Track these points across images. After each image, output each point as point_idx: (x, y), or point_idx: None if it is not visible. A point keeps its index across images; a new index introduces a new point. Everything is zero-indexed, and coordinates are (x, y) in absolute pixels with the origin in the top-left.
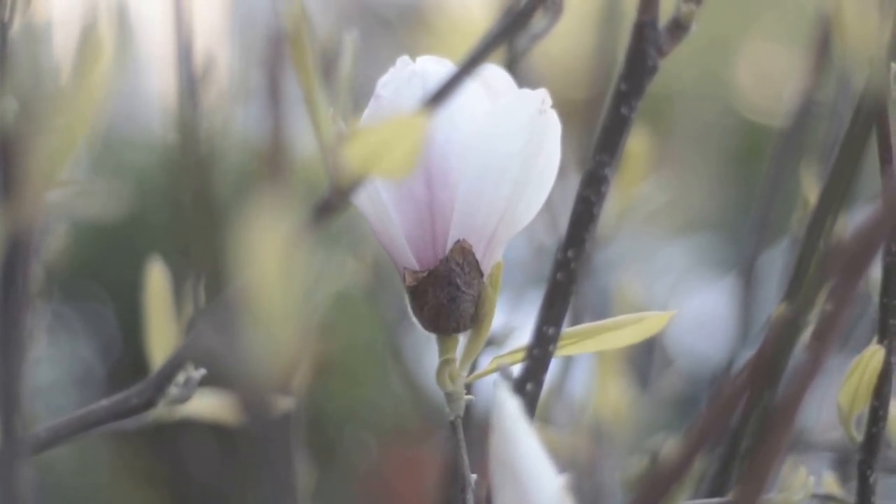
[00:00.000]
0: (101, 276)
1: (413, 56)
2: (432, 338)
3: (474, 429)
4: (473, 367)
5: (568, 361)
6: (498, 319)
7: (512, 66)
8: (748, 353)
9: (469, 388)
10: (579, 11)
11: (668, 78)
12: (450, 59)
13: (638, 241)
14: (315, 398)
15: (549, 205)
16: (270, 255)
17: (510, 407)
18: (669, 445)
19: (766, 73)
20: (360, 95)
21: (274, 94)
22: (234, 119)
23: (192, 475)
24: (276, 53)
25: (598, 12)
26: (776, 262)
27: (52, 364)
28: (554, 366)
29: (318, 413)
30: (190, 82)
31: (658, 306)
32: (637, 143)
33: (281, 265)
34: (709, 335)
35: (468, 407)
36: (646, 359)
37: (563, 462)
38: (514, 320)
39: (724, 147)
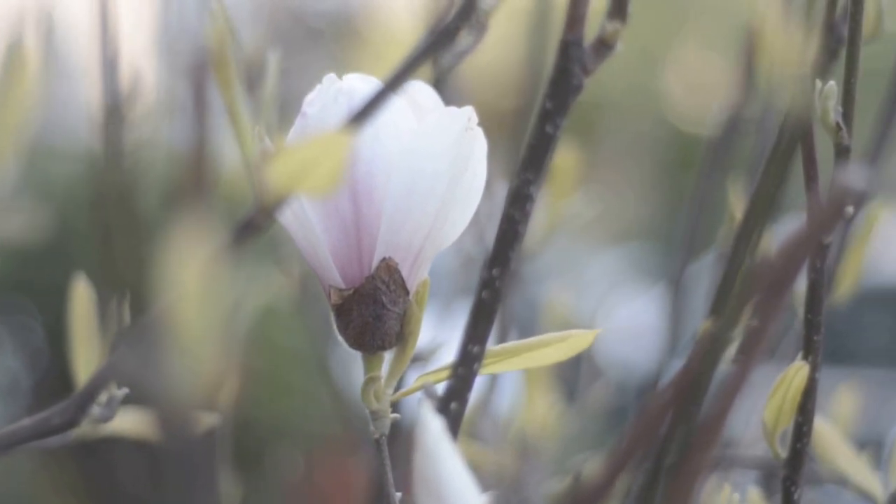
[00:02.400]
0: (29, 288)
1: (346, 70)
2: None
3: (401, 446)
4: (400, 385)
5: (495, 376)
6: (425, 333)
7: (439, 82)
8: (675, 367)
9: (396, 405)
10: (509, 26)
11: (601, 89)
12: (379, 74)
13: (570, 251)
14: (245, 411)
15: (476, 217)
16: (192, 274)
17: (433, 426)
18: (593, 463)
19: (697, 85)
20: (292, 109)
21: (198, 111)
22: (160, 134)
23: (118, 489)
24: (201, 70)
25: (527, 27)
26: (705, 274)
27: None
28: (481, 380)
29: (248, 426)
30: (114, 96)
31: (589, 318)
32: (566, 157)
33: (202, 284)
34: (639, 346)
35: (395, 424)
36: (574, 371)
37: (490, 478)
38: (441, 333)
39: (657, 158)
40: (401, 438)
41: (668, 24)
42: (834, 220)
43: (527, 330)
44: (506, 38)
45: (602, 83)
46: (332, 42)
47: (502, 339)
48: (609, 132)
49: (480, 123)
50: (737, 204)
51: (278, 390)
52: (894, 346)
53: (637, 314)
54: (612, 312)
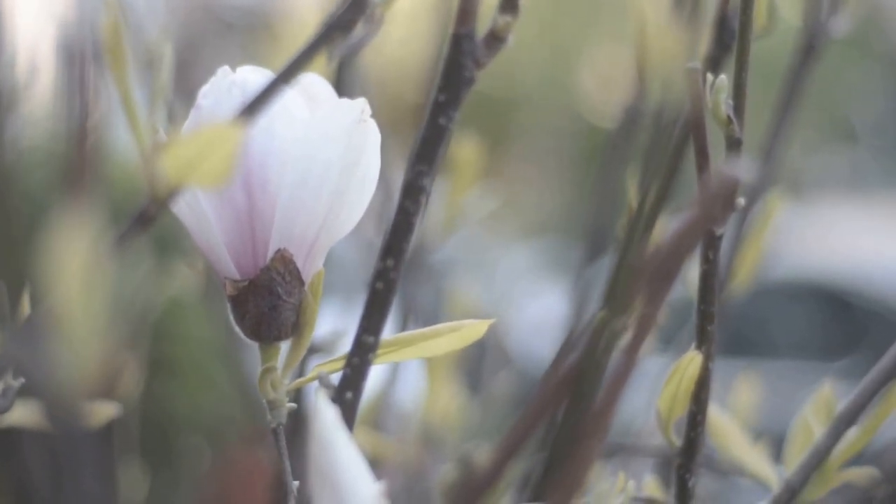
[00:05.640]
0: None
1: (257, 63)
2: None
3: (301, 436)
4: (299, 374)
5: (397, 366)
6: (329, 324)
7: (341, 77)
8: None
9: (296, 396)
10: (415, 21)
11: (515, 84)
12: (279, 67)
13: (484, 244)
14: (157, 403)
15: (378, 210)
16: (78, 264)
17: (328, 415)
18: (484, 451)
19: (610, 80)
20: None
21: (86, 101)
22: (57, 125)
23: (15, 480)
24: (93, 60)
25: (430, 22)
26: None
27: None
28: (384, 371)
29: (157, 418)
30: (6, 86)
31: (495, 310)
32: (466, 150)
33: (89, 274)
34: (547, 338)
35: (295, 414)
36: (480, 363)
37: (394, 469)
38: (344, 324)
39: (571, 153)
40: (301, 428)
41: (582, 20)
42: (723, 210)
43: (433, 322)
44: (411, 34)
45: (516, 79)
46: (246, 36)
47: (403, 329)
48: (524, 128)
49: (385, 117)
50: (634, 196)
51: (188, 382)
52: (799, 339)
53: (547, 306)
54: (520, 304)
